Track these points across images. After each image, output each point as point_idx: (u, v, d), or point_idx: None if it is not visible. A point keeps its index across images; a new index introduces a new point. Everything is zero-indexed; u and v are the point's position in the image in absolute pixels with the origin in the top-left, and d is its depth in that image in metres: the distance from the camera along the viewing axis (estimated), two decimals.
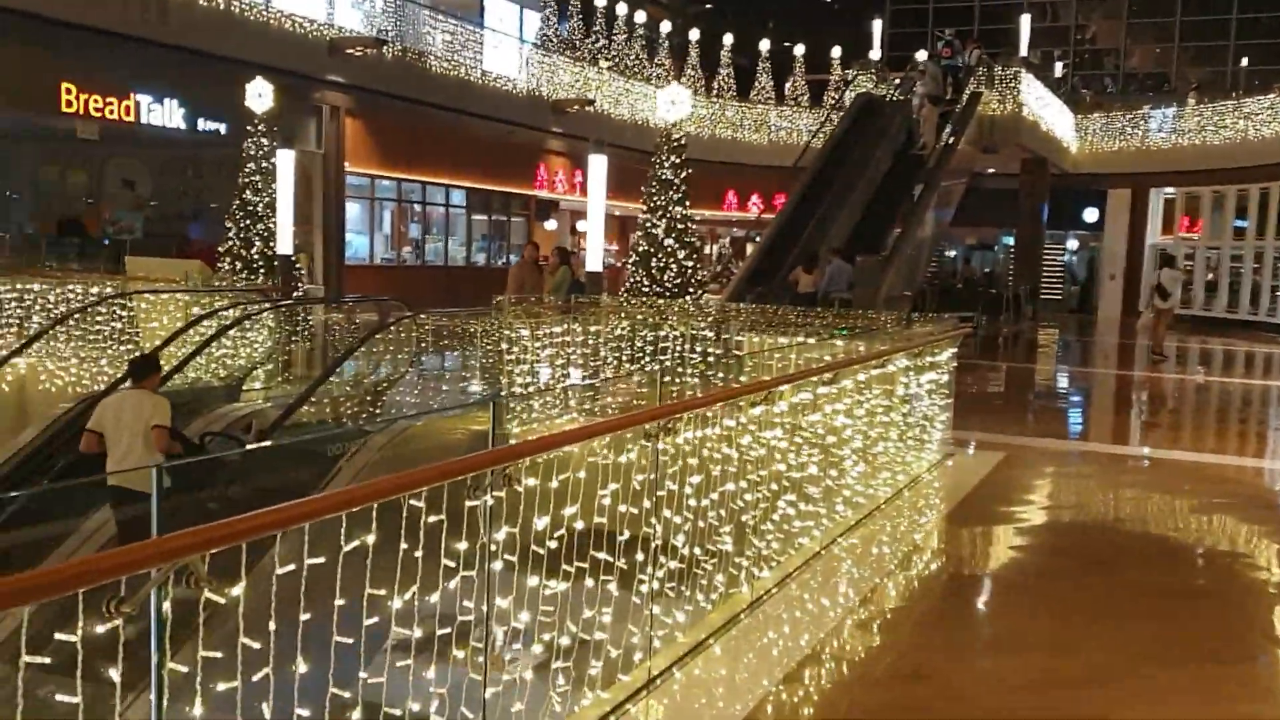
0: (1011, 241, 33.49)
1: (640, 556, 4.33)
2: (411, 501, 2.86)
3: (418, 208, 25.67)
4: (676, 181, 11.39)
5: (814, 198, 23.24)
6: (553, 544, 3.61)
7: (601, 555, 3.96)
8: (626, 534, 4.17)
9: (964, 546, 7.60)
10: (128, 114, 17.99)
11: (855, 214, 22.62)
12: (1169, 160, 30.82)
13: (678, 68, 32.97)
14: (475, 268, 26.55)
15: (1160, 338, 20.41)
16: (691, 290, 11.46)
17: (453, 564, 3.09)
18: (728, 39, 32.64)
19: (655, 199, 11.43)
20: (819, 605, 6.02)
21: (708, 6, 36.86)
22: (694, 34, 32.51)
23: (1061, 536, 7.92)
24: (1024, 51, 28.19)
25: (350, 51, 20.94)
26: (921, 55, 29.22)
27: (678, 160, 11.43)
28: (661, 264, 11.36)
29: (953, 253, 37.60)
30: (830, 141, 25.32)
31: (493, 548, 3.25)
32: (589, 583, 3.92)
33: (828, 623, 5.66)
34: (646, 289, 11.34)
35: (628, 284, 11.64)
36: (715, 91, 32.94)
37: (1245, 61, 37.18)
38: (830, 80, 34.29)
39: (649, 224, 11.45)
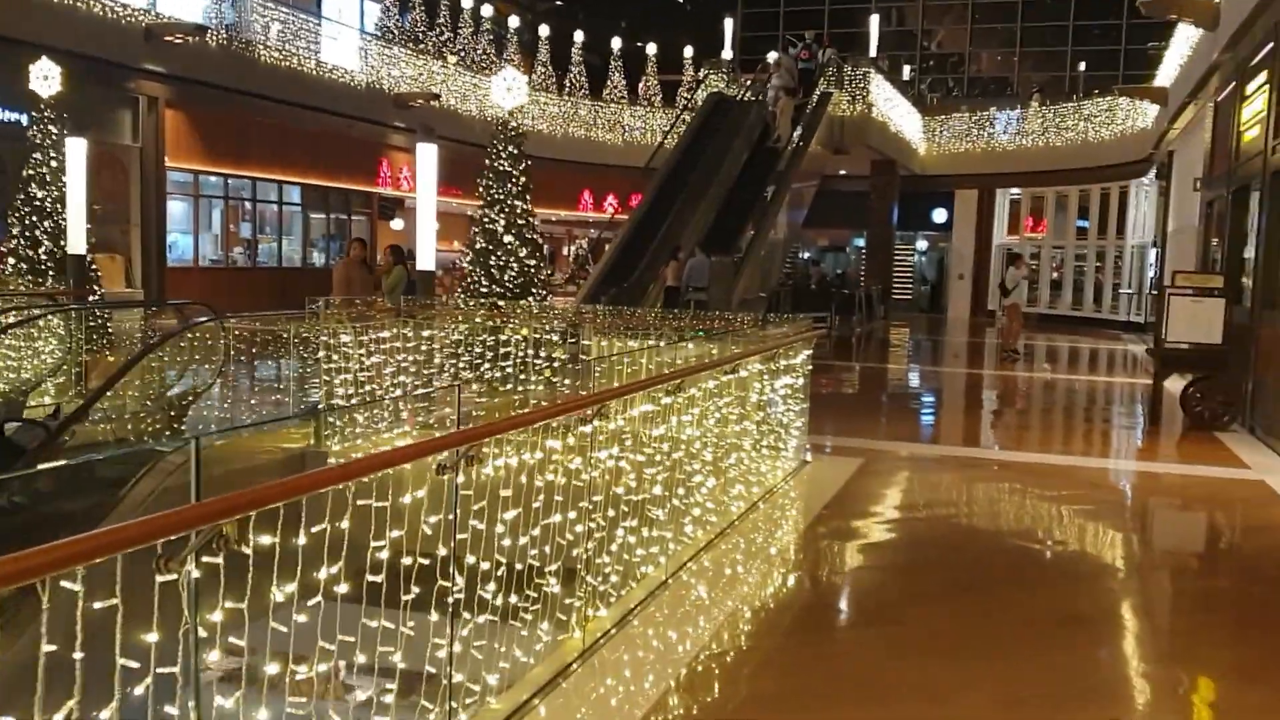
0: (863, 243, 33.72)
1: (435, 616, 3.51)
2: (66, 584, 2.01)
3: (248, 205, 24.17)
4: (515, 174, 10.54)
5: (669, 197, 22.75)
6: (302, 618, 2.77)
7: (378, 623, 3.13)
8: (415, 590, 3.35)
9: (823, 569, 6.99)
10: None
11: (710, 212, 22.21)
12: (1014, 161, 31.42)
13: (528, 64, 32.11)
14: (313, 269, 25.14)
15: (1013, 335, 20.52)
16: (535, 291, 10.64)
17: (136, 664, 2.22)
18: (579, 36, 31.93)
19: (493, 192, 10.55)
20: (665, 642, 5.29)
21: (558, 3, 36.06)
22: (544, 30, 31.70)
23: (926, 552, 7.39)
24: (873, 53, 28.26)
25: (169, 38, 19.49)
26: (774, 56, 29.07)
27: (515, 151, 10.59)
28: (501, 262, 10.50)
29: (806, 254, 37.70)
30: (683, 141, 24.94)
31: (202, 633, 2.39)
32: (360, 659, 3.09)
33: (674, 663, 4.94)
34: (485, 290, 10.47)
35: (464, 284, 10.75)
36: (567, 90, 32.21)
37: (1084, 66, 38.31)
38: (683, 80, 33.96)
39: (486, 219, 10.57)
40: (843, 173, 30.69)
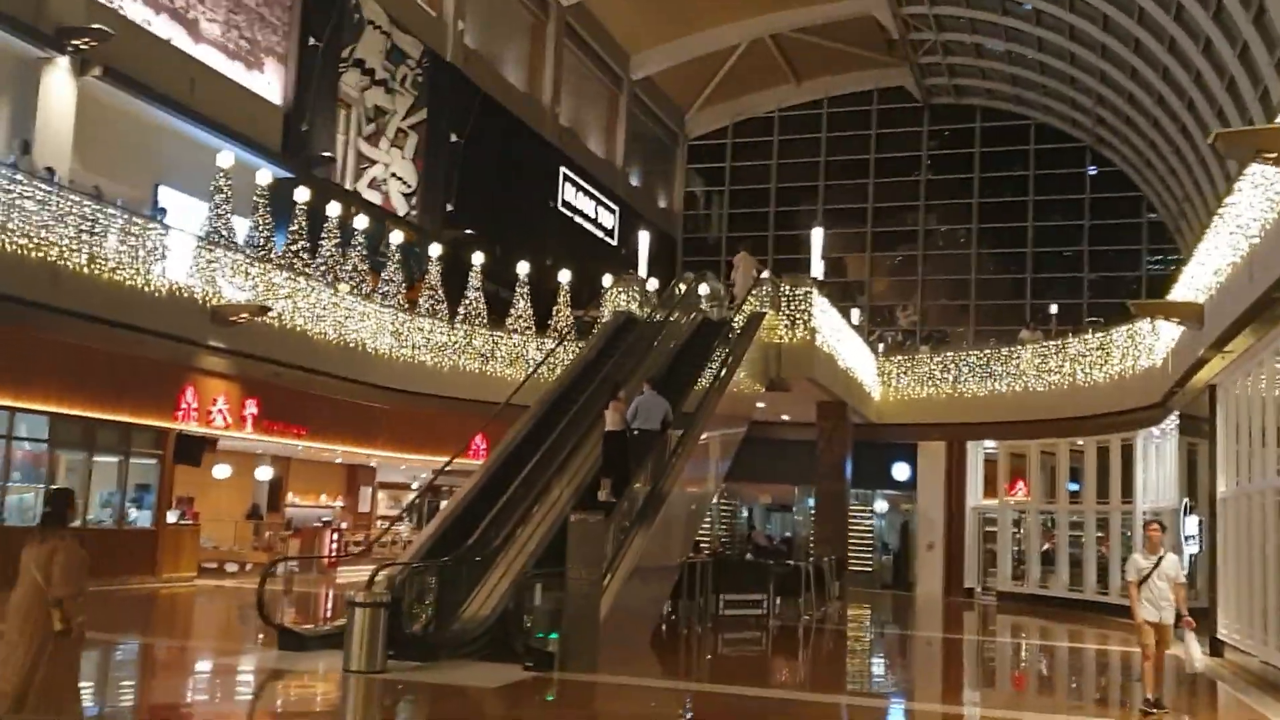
0: (813, 503, 26.55)
1: None
2: None
3: None
4: None
5: (538, 441, 15.82)
6: None
7: None
8: None
9: None
10: None
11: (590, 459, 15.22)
12: (986, 409, 24.74)
13: (415, 289, 25.72)
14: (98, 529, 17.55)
15: (1152, 675, 10.35)
16: None
17: None
18: (477, 258, 25.72)
19: None
20: None
21: (468, 233, 30.04)
22: (435, 250, 25.41)
23: None
24: (816, 273, 21.98)
25: None
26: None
27: None
28: None
29: (745, 513, 30.46)
30: (571, 371, 18.46)
31: None
32: None
33: None
34: None
35: None
36: (462, 317, 25.65)
37: (1054, 310, 32.81)
38: (599, 316, 27.72)
39: None
40: (785, 418, 23.94)
